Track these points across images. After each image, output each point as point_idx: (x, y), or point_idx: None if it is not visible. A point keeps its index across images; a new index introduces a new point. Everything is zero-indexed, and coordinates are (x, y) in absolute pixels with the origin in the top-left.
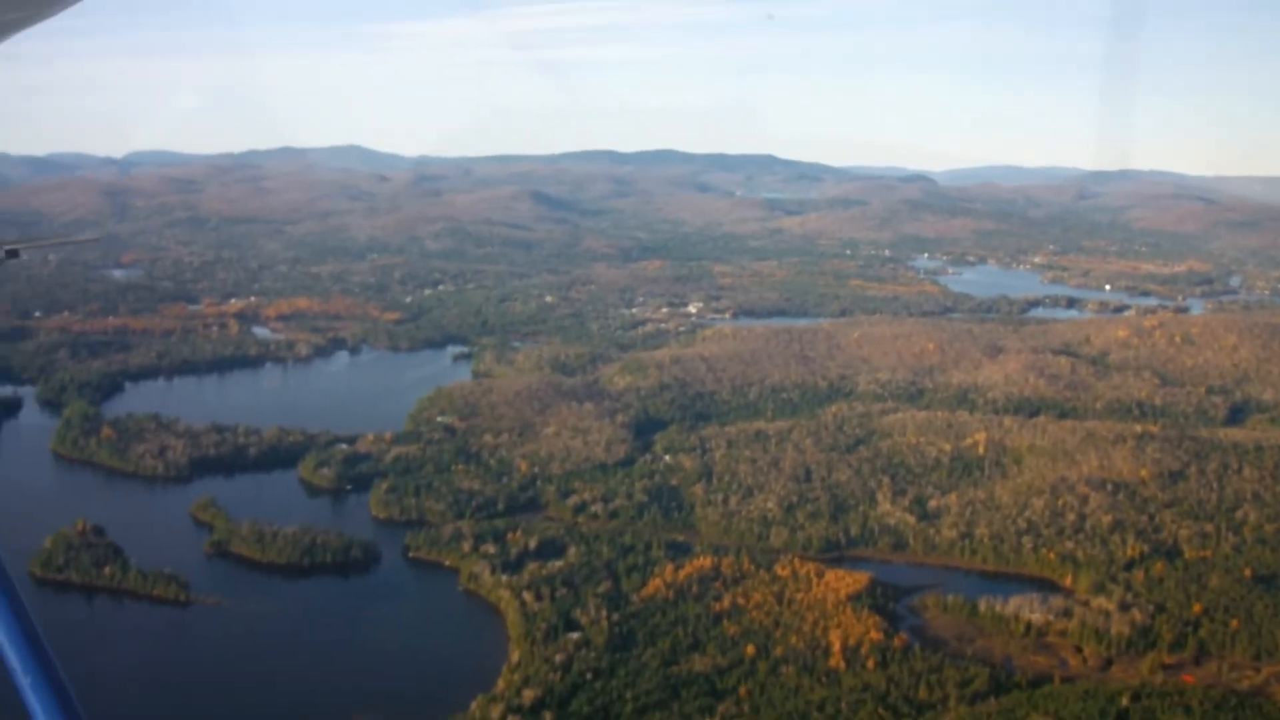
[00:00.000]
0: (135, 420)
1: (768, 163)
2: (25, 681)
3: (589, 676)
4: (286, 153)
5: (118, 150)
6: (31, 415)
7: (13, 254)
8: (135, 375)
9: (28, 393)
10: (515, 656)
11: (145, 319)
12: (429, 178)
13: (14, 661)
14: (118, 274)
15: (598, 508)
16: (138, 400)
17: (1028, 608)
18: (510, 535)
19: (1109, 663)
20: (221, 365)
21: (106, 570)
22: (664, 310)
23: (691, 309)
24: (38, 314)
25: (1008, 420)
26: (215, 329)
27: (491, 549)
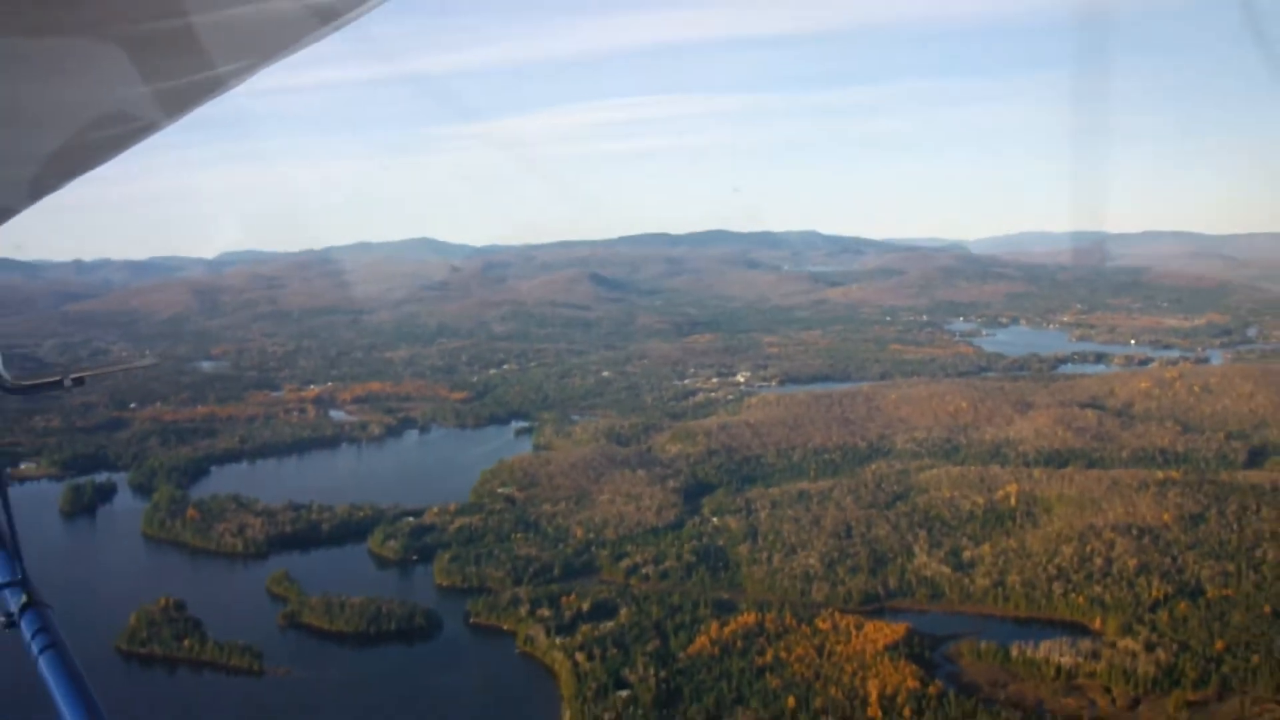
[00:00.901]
0: (218, 501)
1: (812, 238)
2: None
3: None
4: (363, 248)
5: (209, 252)
6: (125, 500)
7: (78, 381)
8: (220, 459)
9: (121, 479)
10: (567, 717)
11: (231, 406)
12: (495, 265)
13: None
14: (207, 366)
15: (649, 569)
16: (222, 482)
17: (1058, 651)
18: (565, 599)
19: (1136, 702)
20: (300, 447)
21: (186, 643)
22: (714, 380)
23: (740, 378)
24: (133, 405)
25: (1038, 472)
26: (295, 413)
27: (547, 612)
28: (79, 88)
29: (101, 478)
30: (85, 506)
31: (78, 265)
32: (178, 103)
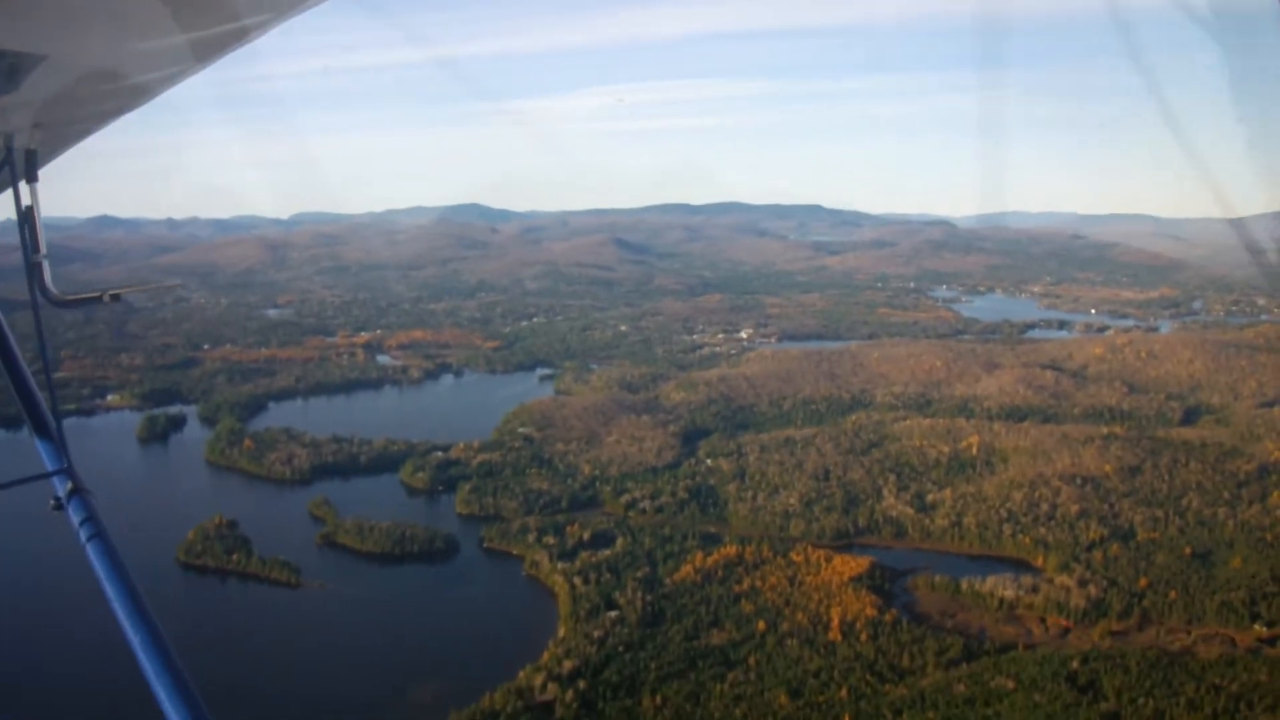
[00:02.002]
0: (271, 433)
1: (815, 211)
2: (144, 658)
3: (621, 649)
4: (418, 211)
5: (284, 213)
6: (193, 430)
7: (115, 298)
8: (278, 396)
9: (191, 411)
10: (562, 633)
11: (290, 349)
12: (533, 229)
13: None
14: (272, 313)
15: (646, 504)
16: (277, 417)
17: (1002, 585)
18: (569, 528)
19: (1066, 631)
20: (348, 387)
21: (234, 557)
22: (719, 336)
23: (743, 335)
24: (205, 346)
25: (998, 425)
26: (346, 357)
27: (552, 540)
28: (121, 36)
29: (174, 410)
30: (159, 435)
31: (169, 223)
32: (206, 51)
